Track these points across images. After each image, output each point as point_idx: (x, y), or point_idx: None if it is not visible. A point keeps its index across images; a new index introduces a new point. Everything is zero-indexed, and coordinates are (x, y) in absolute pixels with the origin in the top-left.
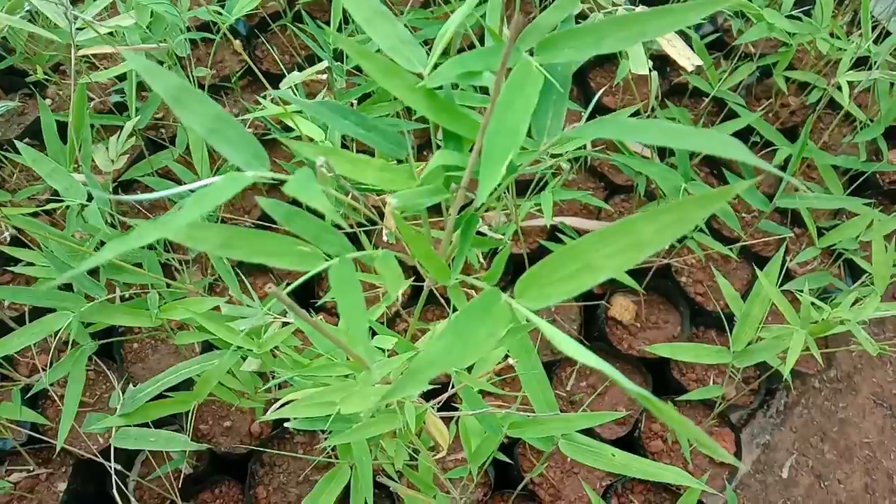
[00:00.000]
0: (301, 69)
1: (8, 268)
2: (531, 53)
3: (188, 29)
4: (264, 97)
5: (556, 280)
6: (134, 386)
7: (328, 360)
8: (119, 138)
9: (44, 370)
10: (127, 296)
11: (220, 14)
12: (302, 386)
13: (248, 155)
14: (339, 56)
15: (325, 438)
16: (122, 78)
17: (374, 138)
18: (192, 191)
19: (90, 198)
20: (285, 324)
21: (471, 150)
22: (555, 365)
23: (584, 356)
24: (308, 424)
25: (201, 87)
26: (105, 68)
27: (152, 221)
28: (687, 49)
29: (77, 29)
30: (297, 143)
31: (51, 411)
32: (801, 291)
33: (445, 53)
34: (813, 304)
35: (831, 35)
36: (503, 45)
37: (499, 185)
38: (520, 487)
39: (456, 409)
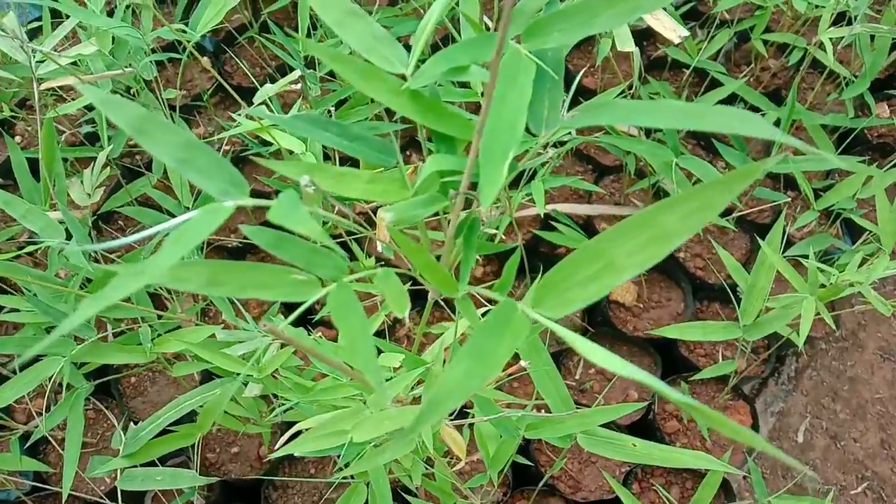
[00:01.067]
0: (273, 80)
1: None
2: (518, 41)
3: (153, 50)
4: (239, 114)
5: (576, 284)
6: (135, 423)
7: (333, 380)
8: (93, 170)
9: (40, 415)
10: (119, 331)
11: (185, 32)
12: (307, 410)
13: (224, 183)
14: (310, 63)
15: (338, 458)
16: (91, 107)
17: (358, 149)
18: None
19: (69, 236)
20: (284, 344)
21: (465, 151)
22: (561, 355)
23: (622, 368)
24: (318, 453)
25: (172, 108)
26: (73, 99)
27: (131, 267)
28: (672, 21)
29: (37, 62)
30: (276, 164)
31: (53, 456)
32: (806, 257)
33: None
34: (819, 268)
35: None
36: (490, 36)
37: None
38: (541, 484)
39: (468, 414)
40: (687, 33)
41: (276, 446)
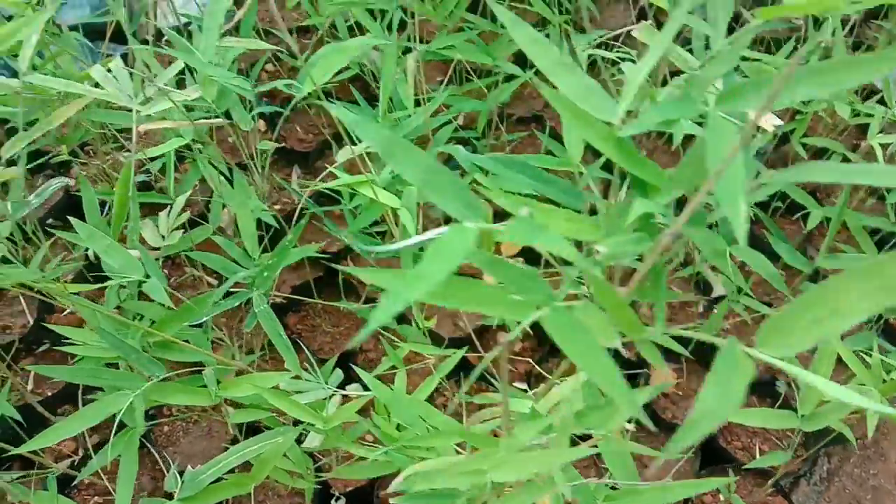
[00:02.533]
0: (327, 146)
1: (57, 347)
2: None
3: (259, 102)
4: (333, 164)
5: (801, 327)
6: (167, 471)
7: (426, 430)
8: (170, 213)
9: (70, 457)
10: (171, 376)
11: (292, 86)
12: (398, 461)
13: (462, 205)
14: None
15: None
16: (152, 158)
17: (552, 191)
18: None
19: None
20: (345, 397)
21: (658, 199)
22: None
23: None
24: (445, 500)
25: (241, 166)
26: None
27: (398, 279)
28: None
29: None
30: (494, 193)
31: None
32: (870, 350)
33: None
34: (882, 361)
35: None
36: (693, 100)
37: None
38: None
39: None
40: (780, 122)
41: (393, 484)
